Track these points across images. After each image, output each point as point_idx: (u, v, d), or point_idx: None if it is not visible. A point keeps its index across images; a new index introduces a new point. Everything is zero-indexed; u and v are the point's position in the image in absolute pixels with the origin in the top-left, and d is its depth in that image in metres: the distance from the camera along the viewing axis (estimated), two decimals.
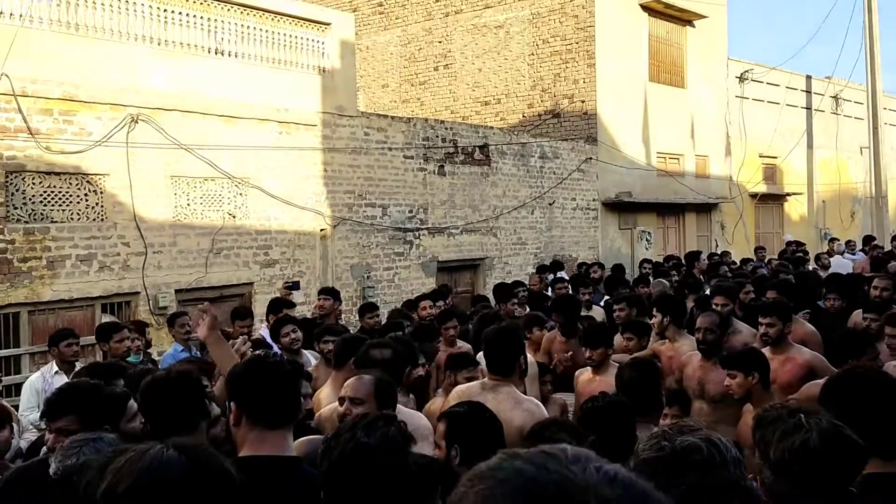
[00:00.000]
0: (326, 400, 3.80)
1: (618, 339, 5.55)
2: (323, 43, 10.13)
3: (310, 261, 9.90)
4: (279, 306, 6.88)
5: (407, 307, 7.87)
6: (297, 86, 9.76)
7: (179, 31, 8.64)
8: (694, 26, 17.00)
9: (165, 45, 8.51)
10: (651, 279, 9.39)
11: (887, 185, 19.87)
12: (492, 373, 3.77)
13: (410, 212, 11.33)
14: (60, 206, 7.70)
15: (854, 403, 2.27)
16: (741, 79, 18.50)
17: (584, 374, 4.91)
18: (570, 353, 5.46)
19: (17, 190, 7.39)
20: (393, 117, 11.72)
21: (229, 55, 9.11)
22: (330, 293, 7.44)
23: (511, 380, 3.72)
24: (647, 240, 15.91)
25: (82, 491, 1.75)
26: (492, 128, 13.67)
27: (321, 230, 10.02)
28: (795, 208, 20.46)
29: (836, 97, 21.37)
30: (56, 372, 5.51)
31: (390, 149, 11.01)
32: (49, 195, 7.62)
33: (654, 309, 5.55)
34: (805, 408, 2.21)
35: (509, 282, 9.82)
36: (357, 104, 11.20)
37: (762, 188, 19.14)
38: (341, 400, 3.02)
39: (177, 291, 8.52)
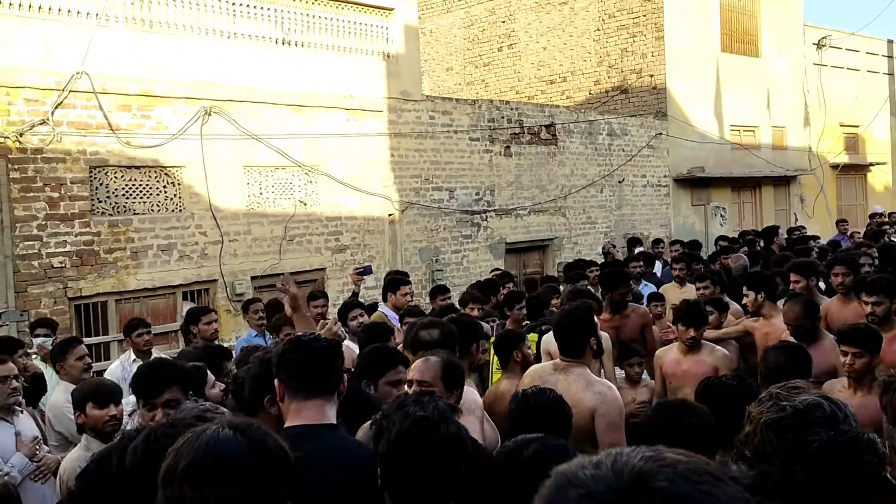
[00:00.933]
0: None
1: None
2: (387, 28, 10.17)
3: (379, 245, 10.02)
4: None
5: (480, 290, 7.86)
6: (363, 72, 9.84)
7: (248, 24, 8.81)
8: None
9: (235, 37, 8.69)
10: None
11: None
12: (563, 355, 3.75)
13: (477, 194, 11.32)
14: (141, 198, 8.00)
15: None
16: (819, 45, 17.71)
17: (671, 354, 4.82)
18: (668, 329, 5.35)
19: (100, 184, 7.71)
20: (457, 100, 11.70)
21: (296, 45, 9.24)
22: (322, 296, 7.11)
23: (583, 360, 3.70)
24: (721, 216, 15.49)
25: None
26: (558, 106, 13.50)
27: (389, 215, 10.11)
28: (879, 178, 19.56)
29: None
30: (133, 360, 5.68)
31: (456, 132, 11.01)
32: (130, 188, 7.92)
33: (746, 287, 5.43)
34: None
35: (579, 261, 9.73)
36: (422, 88, 11.22)
37: (844, 158, 18.36)
38: (409, 383, 3.04)
39: (252, 278, 8.76)
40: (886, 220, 12.83)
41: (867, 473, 1.61)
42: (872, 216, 13.99)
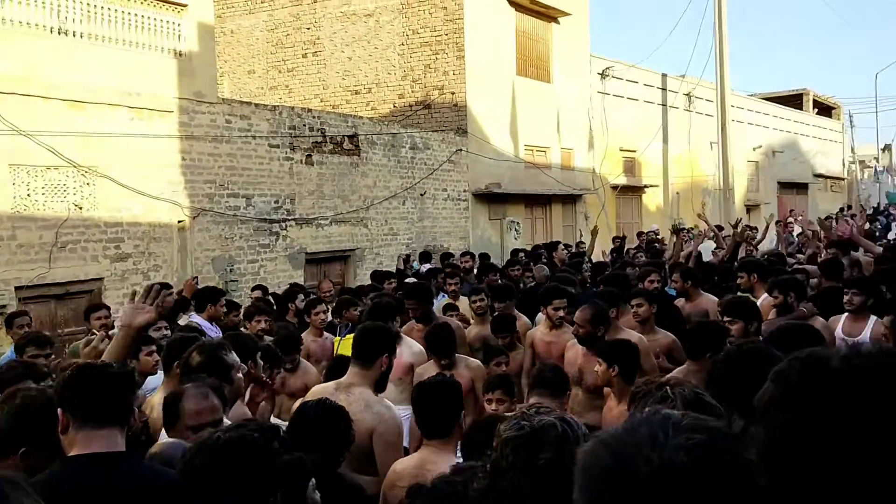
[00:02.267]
0: (158, 407, 3.56)
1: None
2: (179, 25, 9.63)
3: (167, 254, 9.42)
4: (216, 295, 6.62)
5: (269, 301, 7.62)
6: (152, 70, 9.23)
7: (18, 9, 7.96)
8: (558, 23, 17.50)
9: (3, 23, 7.81)
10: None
11: (734, 179, 21.34)
12: (356, 359, 3.74)
13: (276, 202, 11.02)
14: None
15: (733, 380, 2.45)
16: (603, 75, 19.24)
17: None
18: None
19: None
20: (257, 105, 11.34)
21: (74, 35, 8.48)
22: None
23: (370, 374, 3.67)
24: (515, 230, 16.28)
25: None
26: (362, 117, 13.52)
27: (179, 222, 9.55)
28: (652, 199, 21.56)
29: (688, 95, 22.66)
30: None
31: (254, 137, 10.65)
32: None
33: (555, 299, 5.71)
34: (672, 380, 2.48)
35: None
36: (219, 90, 10.75)
37: (622, 180, 20.04)
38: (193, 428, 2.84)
39: (17, 289, 7.88)
40: (656, 237, 14.16)
41: None
42: (640, 234, 15.41)
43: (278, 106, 11.82)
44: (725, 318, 4.58)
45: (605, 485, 0.93)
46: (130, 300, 3.23)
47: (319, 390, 3.78)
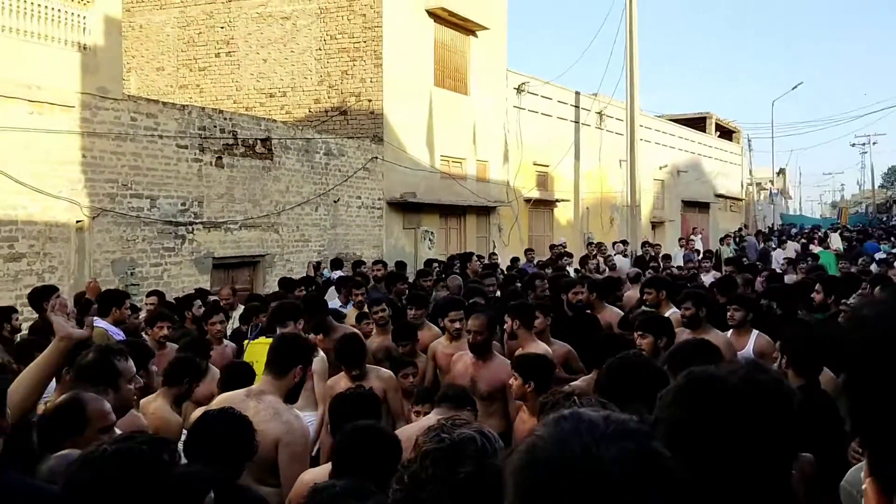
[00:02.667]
0: None
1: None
2: (84, 17, 9.22)
3: (63, 255, 8.97)
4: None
5: (170, 307, 7.36)
6: (53, 62, 8.80)
7: None
8: (476, 36, 17.72)
9: None
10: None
11: (641, 196, 22.07)
12: (267, 373, 3.67)
13: (183, 204, 10.67)
14: None
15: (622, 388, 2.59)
16: (519, 90, 19.58)
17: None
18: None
19: None
20: (165, 103, 10.97)
21: None
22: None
23: (282, 383, 3.61)
24: (430, 240, 16.32)
25: None
26: (275, 121, 13.29)
27: (77, 222, 9.11)
28: (563, 214, 22.06)
29: (600, 113, 23.35)
30: None
31: (161, 136, 10.30)
32: None
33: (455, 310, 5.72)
34: (577, 389, 2.53)
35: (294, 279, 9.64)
36: (125, 87, 10.35)
37: (535, 194, 20.41)
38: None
39: None
40: (565, 250, 14.48)
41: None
42: (552, 247, 15.73)
43: (188, 105, 11.47)
44: (637, 333, 4.71)
45: (540, 498, 0.96)
46: (53, 311, 3.03)
47: (228, 397, 3.69)
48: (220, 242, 11.34)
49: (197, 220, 10.88)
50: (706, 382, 1.26)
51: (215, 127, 11.21)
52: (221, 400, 3.68)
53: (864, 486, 0.87)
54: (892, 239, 21.96)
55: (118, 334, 5.83)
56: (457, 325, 5.55)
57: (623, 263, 13.33)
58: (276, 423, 3.44)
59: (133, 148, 9.88)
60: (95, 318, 6.24)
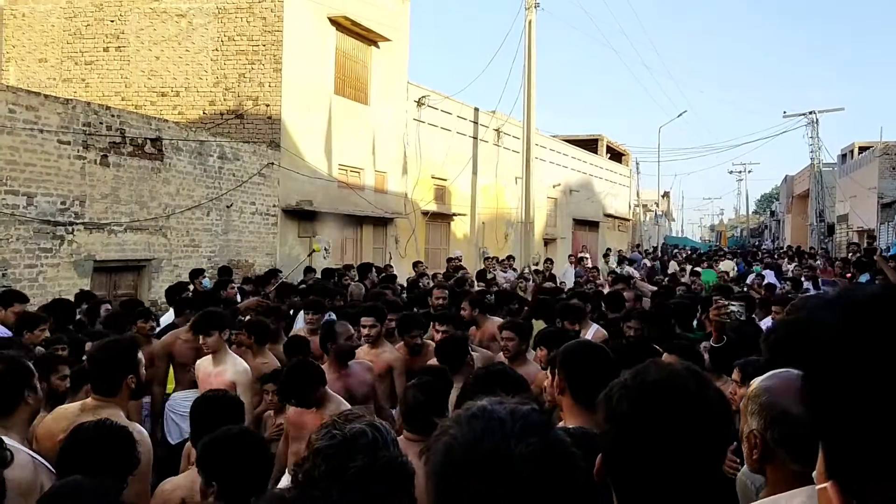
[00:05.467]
0: None
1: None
2: None
3: None
4: None
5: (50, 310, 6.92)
6: None
7: None
8: (378, 47, 17.73)
9: None
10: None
11: (535, 213, 22.65)
12: (94, 393, 3.41)
13: (63, 203, 10.09)
14: None
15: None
16: (419, 103, 19.72)
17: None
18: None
19: None
20: (47, 96, 10.36)
21: None
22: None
23: (116, 400, 3.37)
24: (325, 249, 16.12)
25: None
26: (167, 121, 12.80)
27: None
28: (460, 227, 22.33)
29: (498, 130, 23.84)
30: None
31: (42, 131, 9.71)
32: None
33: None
34: None
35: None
36: (6, 76, 9.71)
37: (433, 207, 20.57)
38: None
39: None
40: (461, 263, 14.65)
41: (404, 495, 1.76)
42: (450, 259, 15.87)
43: (72, 100, 10.88)
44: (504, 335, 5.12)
45: (458, 488, 1.04)
46: None
47: (62, 411, 3.44)
48: (103, 245, 10.78)
49: (78, 221, 10.31)
50: (661, 392, 1.29)
51: (101, 123, 10.69)
52: (57, 413, 3.45)
53: (818, 488, 0.88)
54: (765, 260, 23.48)
55: (7, 334, 5.62)
56: (366, 330, 5.55)
57: (509, 278, 13.60)
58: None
59: (10, 141, 9.26)
60: None
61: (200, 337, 5.15)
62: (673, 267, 19.33)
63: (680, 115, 49.87)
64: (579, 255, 19.80)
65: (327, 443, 1.84)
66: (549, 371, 4.29)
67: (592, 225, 33.39)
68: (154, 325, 6.39)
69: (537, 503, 1.01)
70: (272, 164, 14.48)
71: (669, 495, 1.23)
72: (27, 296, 7.00)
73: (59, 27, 15.71)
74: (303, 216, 15.36)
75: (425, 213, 20.22)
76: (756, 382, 1.99)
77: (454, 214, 21.70)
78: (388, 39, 17.63)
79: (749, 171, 65.92)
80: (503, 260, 16.74)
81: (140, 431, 3.26)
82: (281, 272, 11.77)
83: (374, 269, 12.37)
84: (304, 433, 4.10)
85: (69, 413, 3.33)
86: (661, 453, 1.23)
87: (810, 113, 33.26)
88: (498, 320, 6.99)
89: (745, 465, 2.28)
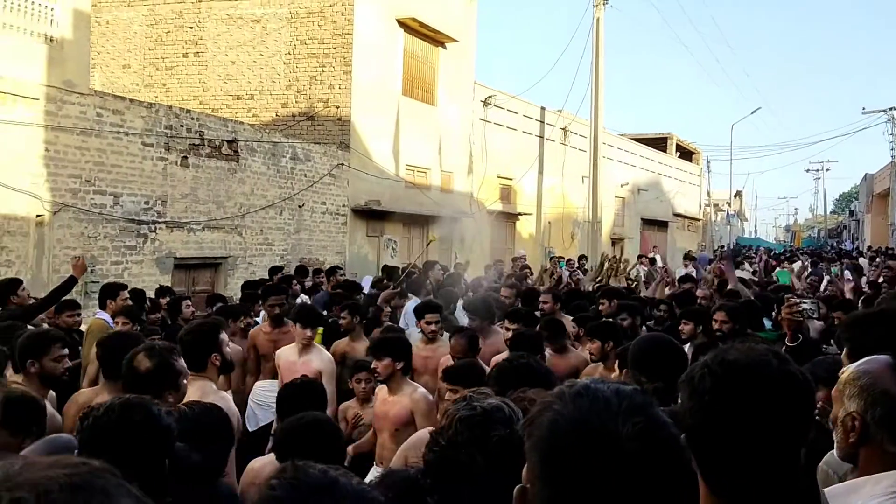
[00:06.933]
0: None
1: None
2: (52, 10, 9.11)
3: (21, 249, 8.81)
4: None
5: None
6: (17, 53, 8.67)
7: None
8: (445, 48, 17.89)
9: None
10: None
11: (602, 212, 22.45)
12: (188, 369, 3.73)
13: (147, 203, 10.57)
14: None
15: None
16: (485, 103, 19.80)
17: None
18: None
19: None
20: (132, 100, 10.87)
21: None
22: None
23: (204, 374, 3.72)
24: (392, 248, 16.37)
25: None
26: (242, 123, 13.23)
27: (37, 216, 8.97)
28: (525, 227, 22.31)
29: (564, 129, 23.70)
30: None
31: (127, 134, 10.20)
32: None
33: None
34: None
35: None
36: (91, 82, 10.23)
37: (498, 206, 20.60)
38: None
39: None
40: (527, 263, 14.65)
41: None
42: (515, 259, 15.88)
43: (155, 103, 11.38)
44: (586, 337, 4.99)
45: (565, 471, 1.09)
46: None
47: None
48: (183, 243, 11.24)
49: (160, 220, 10.78)
50: (744, 370, 1.31)
51: (182, 126, 11.14)
52: None
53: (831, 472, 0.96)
54: (843, 261, 22.65)
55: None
56: (432, 326, 5.68)
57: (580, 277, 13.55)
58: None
59: (98, 144, 9.76)
60: (98, 311, 6.75)
61: (298, 327, 5.41)
62: (746, 268, 18.83)
63: (754, 111, 48.82)
64: (650, 255, 19.51)
65: (469, 413, 1.99)
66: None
67: (661, 225, 32.83)
68: (251, 323, 6.63)
69: (643, 480, 1.05)
70: (342, 164, 14.79)
71: (753, 472, 1.27)
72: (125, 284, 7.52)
73: (141, 34, 16.41)
74: (371, 215, 15.63)
75: (491, 213, 20.28)
76: (851, 368, 2.04)
77: (520, 214, 21.68)
78: (455, 40, 17.77)
79: (827, 170, 63.78)
80: (569, 260, 16.68)
81: (223, 398, 3.62)
82: (342, 268, 12.04)
83: (438, 267, 12.49)
84: (386, 423, 4.28)
85: None
86: (744, 428, 1.27)
87: (890, 109, 31.99)
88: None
89: (828, 454, 2.30)
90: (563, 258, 16.90)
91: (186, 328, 3.98)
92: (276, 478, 1.13)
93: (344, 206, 14.98)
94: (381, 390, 4.47)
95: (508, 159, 20.74)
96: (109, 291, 6.76)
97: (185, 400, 3.18)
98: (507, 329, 5.71)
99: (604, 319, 5.94)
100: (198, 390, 3.49)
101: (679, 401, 1.39)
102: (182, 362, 3.26)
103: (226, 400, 3.59)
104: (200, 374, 3.64)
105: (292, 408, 3.26)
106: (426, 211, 17.12)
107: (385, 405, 4.24)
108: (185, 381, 3.24)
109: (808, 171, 65.61)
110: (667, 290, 10.85)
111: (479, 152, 19.51)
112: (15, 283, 6.46)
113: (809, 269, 18.48)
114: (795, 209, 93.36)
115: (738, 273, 17.56)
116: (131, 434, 2.14)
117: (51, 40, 9.09)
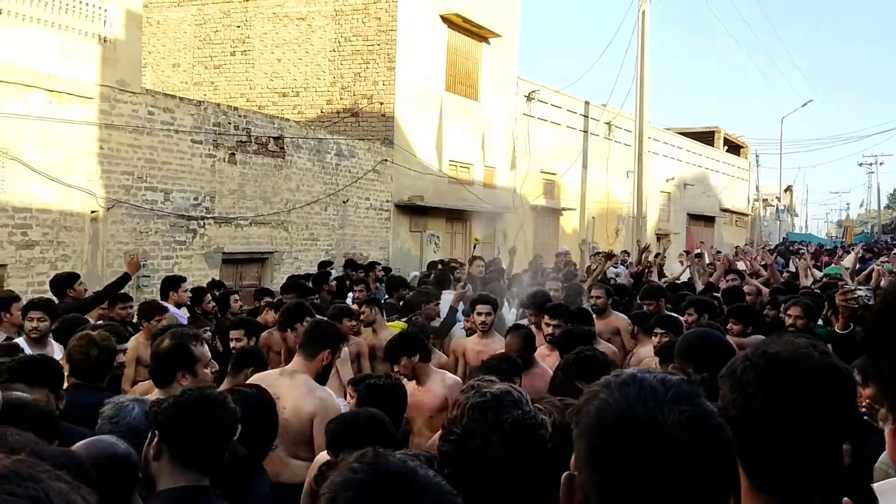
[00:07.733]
0: None
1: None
2: (106, 10, 9.36)
3: (77, 244, 9.09)
4: None
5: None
6: (73, 53, 8.93)
7: None
8: (489, 43, 17.86)
9: None
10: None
11: (647, 207, 22.18)
12: (300, 356, 3.98)
13: (196, 199, 10.80)
14: None
15: None
16: (528, 98, 19.71)
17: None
18: None
19: None
20: (181, 98, 11.11)
21: None
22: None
23: (308, 366, 3.89)
24: (435, 243, 16.43)
25: None
26: (288, 120, 13.42)
27: (92, 212, 9.24)
28: (569, 222, 22.17)
29: (609, 124, 23.47)
30: None
31: (177, 131, 10.43)
32: None
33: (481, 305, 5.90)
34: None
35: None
36: (142, 81, 10.49)
37: (542, 202, 20.52)
38: None
39: None
40: (570, 258, 14.55)
41: (542, 443, 2.00)
42: (558, 255, 15.79)
43: (203, 101, 11.62)
44: (658, 330, 5.16)
45: (613, 459, 1.10)
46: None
47: (263, 376, 3.92)
48: (231, 238, 11.46)
49: (208, 215, 11.00)
50: (786, 363, 1.33)
51: (230, 124, 11.35)
52: (258, 378, 3.86)
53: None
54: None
55: (182, 317, 6.47)
56: (482, 318, 5.65)
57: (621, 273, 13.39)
58: (312, 398, 3.75)
59: (149, 141, 10.01)
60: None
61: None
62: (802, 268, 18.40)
63: (805, 104, 47.22)
64: (696, 251, 19.21)
65: (479, 399, 2.01)
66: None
67: (708, 220, 32.29)
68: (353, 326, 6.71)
69: (691, 468, 1.06)
70: (385, 160, 14.89)
71: (793, 465, 1.28)
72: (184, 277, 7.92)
73: (190, 34, 16.75)
74: (414, 211, 15.71)
75: (534, 208, 20.19)
76: None
77: (563, 209, 21.55)
78: (498, 35, 17.73)
79: (881, 164, 61.85)
80: (611, 255, 16.47)
81: (330, 394, 3.90)
82: (379, 264, 12.11)
83: (478, 262, 12.49)
84: (420, 412, 4.34)
85: (269, 376, 3.86)
86: (785, 420, 1.28)
87: None
88: (621, 316, 6.97)
89: (884, 454, 2.26)
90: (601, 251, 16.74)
91: (311, 322, 4.27)
92: (358, 461, 1.14)
93: (387, 201, 15.08)
94: (410, 385, 4.51)
95: (552, 154, 20.63)
96: (171, 283, 7.14)
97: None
98: (548, 325, 5.65)
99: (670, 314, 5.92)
100: (301, 382, 3.84)
101: (720, 394, 1.40)
102: (203, 349, 3.29)
103: (330, 395, 3.97)
104: (305, 365, 3.90)
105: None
106: (469, 206, 17.14)
107: (416, 395, 4.30)
108: (205, 370, 3.25)
109: (861, 164, 63.83)
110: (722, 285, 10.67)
111: (523, 147, 19.43)
112: (73, 278, 6.71)
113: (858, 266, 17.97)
114: (847, 204, 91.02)
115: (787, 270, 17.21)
116: (205, 425, 2.26)
117: (104, 41, 9.34)
